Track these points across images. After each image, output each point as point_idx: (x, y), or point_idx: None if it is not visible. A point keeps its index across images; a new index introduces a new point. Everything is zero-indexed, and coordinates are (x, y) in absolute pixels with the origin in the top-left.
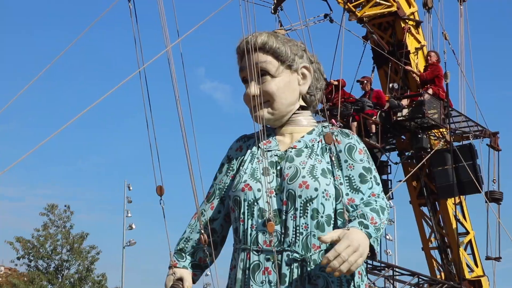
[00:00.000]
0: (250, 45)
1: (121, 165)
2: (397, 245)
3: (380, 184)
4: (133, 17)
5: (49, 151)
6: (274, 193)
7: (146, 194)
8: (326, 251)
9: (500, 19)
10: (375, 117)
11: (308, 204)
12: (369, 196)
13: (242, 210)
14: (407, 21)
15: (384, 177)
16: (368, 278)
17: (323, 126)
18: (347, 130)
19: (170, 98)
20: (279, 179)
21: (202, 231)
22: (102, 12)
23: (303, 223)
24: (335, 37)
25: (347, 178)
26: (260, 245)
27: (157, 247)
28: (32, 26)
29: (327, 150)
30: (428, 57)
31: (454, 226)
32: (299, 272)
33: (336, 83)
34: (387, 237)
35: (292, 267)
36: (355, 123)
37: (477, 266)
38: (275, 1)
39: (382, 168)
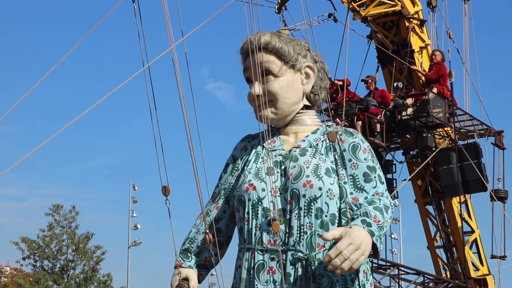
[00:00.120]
0: (255, 45)
1: (126, 165)
2: (402, 244)
3: (385, 183)
4: (138, 17)
5: (54, 151)
6: (279, 192)
7: (151, 194)
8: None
9: (504, 17)
10: (379, 116)
11: (312, 204)
12: (373, 195)
13: (246, 210)
14: (411, 20)
15: (389, 176)
16: (373, 277)
17: (328, 126)
18: (351, 129)
19: (175, 98)
20: (283, 178)
21: (207, 231)
22: (106, 13)
23: (307, 223)
24: (340, 37)
25: (351, 177)
26: (264, 245)
27: (162, 247)
28: (36, 28)
29: (331, 149)
30: (433, 56)
31: (459, 224)
32: (304, 271)
33: (340, 83)
34: (392, 236)
35: (296, 266)
36: (360, 122)
37: (482, 264)
38: (279, 1)
39: (387, 167)
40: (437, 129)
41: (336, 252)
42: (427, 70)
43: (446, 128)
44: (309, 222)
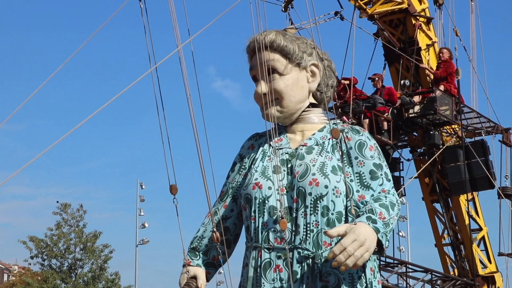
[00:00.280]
0: (260, 44)
1: (134, 164)
2: (410, 241)
3: (391, 180)
4: (144, 17)
5: (61, 151)
6: (285, 190)
7: (159, 192)
8: None
9: (511, 14)
10: (386, 114)
11: (318, 202)
12: (379, 193)
13: (253, 208)
14: (418, 17)
15: (396, 173)
16: (381, 275)
17: (334, 124)
18: (357, 127)
19: (182, 97)
20: (289, 176)
21: (215, 229)
22: (113, 13)
23: (313, 221)
24: (346, 35)
25: (357, 174)
26: (271, 243)
27: (170, 245)
28: (42, 28)
29: (338, 147)
30: (440, 54)
31: (467, 222)
32: (310, 269)
33: (347, 82)
34: (400, 233)
35: (303, 264)
36: (367, 120)
37: (490, 262)
38: None
39: (394, 164)
40: (444, 127)
41: (341, 248)
42: (434, 68)
43: (453, 126)
44: (315, 220)
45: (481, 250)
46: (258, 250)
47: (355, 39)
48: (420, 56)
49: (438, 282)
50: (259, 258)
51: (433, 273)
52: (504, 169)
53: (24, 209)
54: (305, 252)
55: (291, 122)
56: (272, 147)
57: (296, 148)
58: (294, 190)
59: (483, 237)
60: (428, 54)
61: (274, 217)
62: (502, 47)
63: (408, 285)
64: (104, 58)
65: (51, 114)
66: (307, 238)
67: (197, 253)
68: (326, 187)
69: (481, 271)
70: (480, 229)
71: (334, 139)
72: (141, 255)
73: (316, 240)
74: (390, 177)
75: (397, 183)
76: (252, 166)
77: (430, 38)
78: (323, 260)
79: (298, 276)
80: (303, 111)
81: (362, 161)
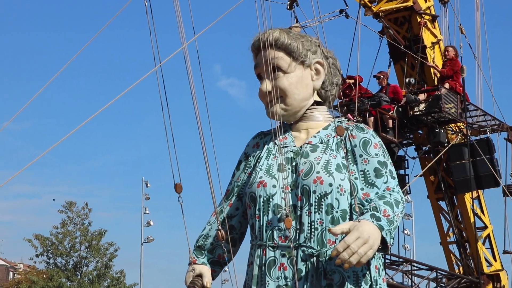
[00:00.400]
0: (265, 42)
1: (139, 162)
2: (415, 239)
3: (396, 178)
4: (149, 15)
5: (66, 149)
6: (290, 189)
7: (164, 191)
8: None
9: None
10: (392, 112)
11: (322, 200)
12: (384, 190)
13: (257, 207)
14: (423, 15)
15: (401, 172)
16: (386, 273)
17: (339, 121)
18: (362, 125)
19: (187, 95)
20: (294, 175)
21: (220, 227)
22: (118, 11)
23: (318, 219)
24: (351, 33)
25: (362, 172)
26: (275, 241)
27: (175, 243)
28: (48, 27)
29: (342, 145)
30: (446, 52)
31: (472, 220)
32: (315, 267)
33: (352, 81)
34: (405, 232)
35: (307, 262)
36: (372, 118)
37: (495, 260)
38: None
39: (400, 163)
40: (450, 125)
41: (344, 246)
42: (439, 65)
43: (458, 124)
44: (320, 218)
45: (486, 248)
46: (262, 248)
47: (360, 37)
48: (425, 54)
49: (443, 280)
50: (264, 256)
51: (438, 271)
52: (510, 167)
53: (29, 207)
54: (310, 250)
55: (296, 120)
56: (277, 145)
57: (301, 146)
58: (298, 188)
59: (488, 235)
60: (433, 52)
61: (279, 215)
62: (508, 44)
63: (413, 283)
64: (109, 57)
65: (56, 112)
66: (312, 236)
67: (202, 251)
68: (330, 185)
69: (486, 269)
70: (485, 227)
71: (338, 137)
72: (146, 253)
73: (320, 238)
74: (394, 174)
75: (402, 181)
76: (257, 164)
77: (435, 36)
78: (327, 258)
79: (303, 274)
80: (308, 109)
81: (367, 159)
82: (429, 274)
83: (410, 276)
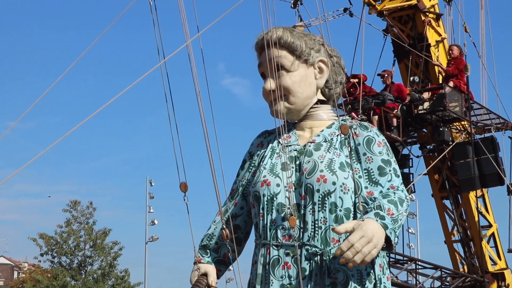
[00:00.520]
0: (268, 41)
1: (143, 161)
2: (419, 238)
3: (400, 176)
4: (154, 13)
5: (71, 148)
6: (293, 187)
7: (168, 189)
8: None
9: None
10: (396, 110)
11: (326, 198)
12: (388, 189)
13: (261, 206)
14: (427, 14)
15: (406, 170)
16: (390, 272)
17: (343, 120)
18: (366, 123)
19: (191, 94)
20: (298, 173)
21: (224, 226)
22: (122, 9)
23: (321, 217)
24: (355, 31)
25: (366, 171)
26: (279, 240)
27: (179, 242)
28: (51, 27)
29: (346, 143)
30: (450, 51)
31: (476, 219)
32: (319, 266)
33: (356, 80)
34: (410, 230)
35: (311, 261)
36: (376, 117)
37: (500, 259)
38: None
39: (404, 161)
40: (454, 123)
41: (348, 245)
42: (444, 64)
43: (462, 122)
44: (324, 217)
45: (490, 247)
46: (266, 247)
47: (364, 35)
48: (429, 52)
49: (448, 279)
50: (268, 255)
51: (442, 269)
52: None
53: (34, 206)
54: (313, 249)
55: (300, 119)
56: (281, 144)
57: (305, 145)
58: (302, 187)
59: (492, 234)
60: (438, 51)
61: (282, 214)
62: None
63: (417, 282)
64: (114, 56)
65: (61, 111)
66: (315, 235)
67: (207, 250)
68: (334, 183)
69: (490, 268)
70: (490, 225)
71: (342, 136)
72: (151, 252)
73: (324, 237)
74: (399, 172)
75: (407, 180)
76: (261, 163)
77: (440, 34)
78: (331, 256)
79: (307, 273)
80: (312, 107)
81: (371, 157)
82: (434, 273)
83: (414, 275)
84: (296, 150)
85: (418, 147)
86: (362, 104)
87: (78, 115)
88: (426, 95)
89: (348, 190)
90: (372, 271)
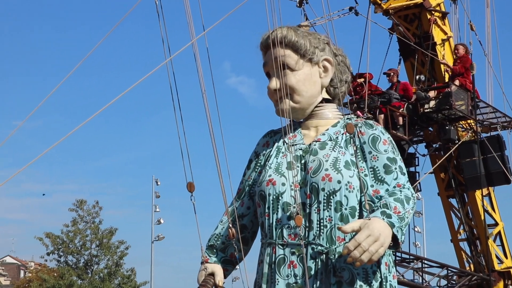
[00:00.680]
0: (273, 40)
1: (149, 160)
2: (425, 237)
3: (406, 174)
4: (159, 10)
5: (77, 147)
6: (299, 186)
7: (174, 188)
8: None
9: None
10: (402, 109)
11: (331, 197)
12: (394, 187)
13: (267, 205)
14: (433, 12)
15: (412, 169)
16: (396, 270)
17: (348, 118)
18: (371, 121)
19: (197, 93)
20: (303, 172)
21: (231, 225)
22: (128, 9)
23: (327, 216)
24: (361, 30)
25: (371, 169)
26: (285, 239)
27: (185, 241)
28: (56, 28)
29: (351, 142)
30: (456, 51)
31: (482, 217)
32: (324, 265)
33: (362, 80)
34: (416, 229)
35: (317, 260)
36: (382, 116)
37: (506, 257)
38: None
39: (410, 160)
40: (460, 122)
41: (355, 244)
42: (450, 63)
43: (468, 121)
44: (329, 216)
45: (497, 245)
46: (272, 247)
47: (370, 34)
48: (435, 51)
49: (454, 277)
50: (274, 254)
51: (449, 268)
52: None
53: (40, 205)
54: (319, 247)
55: (306, 118)
56: (287, 144)
57: (310, 144)
58: (307, 186)
59: (499, 232)
60: (443, 49)
61: (288, 213)
62: None
63: (424, 281)
64: (120, 56)
65: (66, 111)
66: (321, 233)
67: (215, 250)
68: (339, 182)
69: (497, 266)
70: (496, 224)
71: (347, 134)
72: (157, 251)
73: (329, 236)
74: (404, 170)
75: (413, 179)
76: (267, 163)
77: (445, 33)
78: (336, 255)
79: (312, 271)
80: (317, 106)
81: (376, 155)
82: (440, 271)
83: (421, 273)
84: (301, 149)
85: (424, 146)
86: (368, 103)
87: (83, 114)
88: (432, 93)
89: (353, 188)
90: (378, 269)
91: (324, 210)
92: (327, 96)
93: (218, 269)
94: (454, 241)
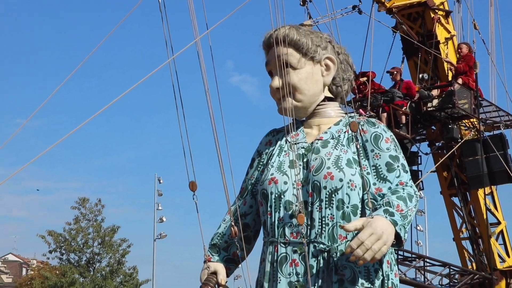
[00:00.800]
0: (275, 39)
1: (152, 159)
2: (428, 235)
3: (409, 172)
4: (163, 11)
5: (79, 145)
6: (301, 185)
7: (176, 187)
8: None
9: None
10: (405, 107)
11: (333, 195)
12: (397, 185)
13: (269, 204)
14: (436, 11)
15: (414, 167)
16: (398, 269)
17: (350, 117)
18: (373, 120)
19: (200, 91)
20: (305, 171)
21: (233, 223)
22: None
23: (328, 214)
24: (364, 29)
25: (374, 167)
26: (287, 237)
27: (187, 240)
28: (59, 27)
29: (354, 140)
30: (459, 50)
31: (485, 216)
32: (326, 263)
33: (365, 79)
34: (418, 227)
35: (318, 258)
36: (385, 114)
37: (508, 256)
38: None
39: (413, 158)
40: (463, 120)
41: (358, 242)
42: (453, 61)
43: (471, 119)
44: (331, 214)
45: (499, 244)
46: (274, 245)
47: (373, 33)
48: (438, 49)
49: (456, 276)
50: (276, 253)
51: (451, 267)
52: None
53: (43, 203)
54: (321, 245)
55: (308, 117)
56: (289, 142)
57: (312, 142)
58: (309, 184)
59: (501, 231)
60: (447, 48)
61: (290, 212)
62: None
63: (426, 279)
64: (122, 54)
65: (69, 109)
66: (323, 232)
67: (217, 249)
68: (340, 180)
69: (499, 265)
70: (499, 223)
71: (349, 132)
72: (159, 249)
73: (331, 234)
74: (407, 168)
75: (415, 177)
76: (269, 161)
77: (449, 32)
78: (338, 253)
79: (314, 270)
80: (319, 105)
81: (378, 153)
82: (442, 270)
83: (423, 272)
84: (303, 147)
85: (427, 144)
86: (371, 101)
87: (85, 113)
88: (435, 92)
89: (355, 186)
90: (379, 267)
91: (326, 208)
92: (329, 95)
93: (220, 268)
94: (456, 240)
